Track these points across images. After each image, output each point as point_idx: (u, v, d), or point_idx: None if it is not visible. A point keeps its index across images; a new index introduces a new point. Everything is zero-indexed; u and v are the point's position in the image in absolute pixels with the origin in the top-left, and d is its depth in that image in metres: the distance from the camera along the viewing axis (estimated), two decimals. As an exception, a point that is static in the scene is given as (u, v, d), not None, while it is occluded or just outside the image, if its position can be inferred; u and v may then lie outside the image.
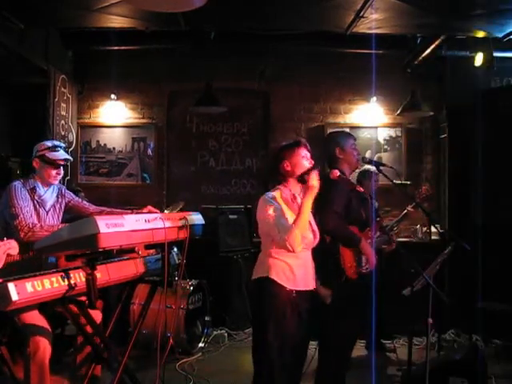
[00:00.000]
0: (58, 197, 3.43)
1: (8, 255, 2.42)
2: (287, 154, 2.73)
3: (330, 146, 3.36)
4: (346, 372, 3.27)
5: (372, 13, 4.53)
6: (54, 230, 3.01)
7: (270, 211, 2.59)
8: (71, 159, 3.56)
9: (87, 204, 3.55)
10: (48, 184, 3.34)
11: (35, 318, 2.91)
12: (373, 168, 4.17)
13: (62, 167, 3.35)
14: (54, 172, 3.30)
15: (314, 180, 2.60)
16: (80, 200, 3.57)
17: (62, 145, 3.44)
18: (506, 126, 5.16)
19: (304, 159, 2.72)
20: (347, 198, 3.15)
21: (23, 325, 2.89)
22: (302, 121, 6.44)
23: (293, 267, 2.64)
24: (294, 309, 2.65)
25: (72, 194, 3.58)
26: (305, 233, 2.59)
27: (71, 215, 3.56)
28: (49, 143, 3.35)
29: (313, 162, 2.73)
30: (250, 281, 2.76)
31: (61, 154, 3.32)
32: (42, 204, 3.30)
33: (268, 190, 2.73)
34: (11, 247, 2.42)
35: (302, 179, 2.67)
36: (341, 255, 3.13)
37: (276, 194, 2.69)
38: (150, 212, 3.16)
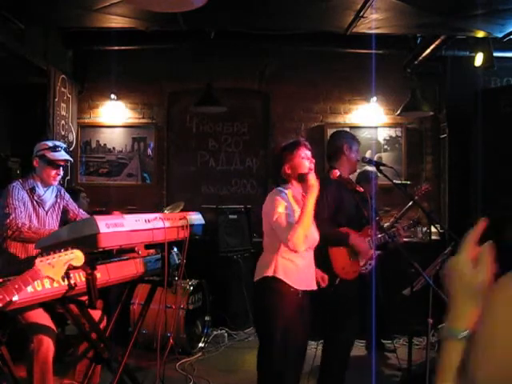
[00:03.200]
0: (56, 197, 3.43)
1: (69, 266, 2.17)
2: (287, 157, 2.71)
3: (339, 141, 3.36)
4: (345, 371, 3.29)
5: (372, 13, 4.53)
6: (41, 232, 3.03)
7: (279, 208, 2.55)
8: (71, 160, 3.55)
9: (77, 210, 3.53)
10: (47, 184, 3.32)
11: (40, 316, 2.91)
12: (372, 169, 4.16)
13: (61, 168, 3.33)
14: (53, 172, 3.28)
15: (313, 180, 2.58)
16: (75, 207, 3.55)
17: (63, 145, 3.43)
18: (506, 125, 5.16)
19: (304, 159, 2.70)
20: (335, 199, 3.17)
21: (27, 322, 2.88)
22: (301, 121, 6.43)
23: (300, 267, 2.63)
24: (299, 308, 2.64)
25: (69, 197, 3.56)
26: (308, 232, 2.56)
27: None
28: (50, 143, 3.35)
29: (313, 161, 2.73)
30: (254, 280, 2.72)
31: (61, 155, 3.31)
32: (42, 204, 3.30)
33: (268, 191, 2.73)
34: (74, 257, 2.14)
35: (302, 178, 2.65)
36: (331, 260, 3.14)
37: (288, 191, 2.68)
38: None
